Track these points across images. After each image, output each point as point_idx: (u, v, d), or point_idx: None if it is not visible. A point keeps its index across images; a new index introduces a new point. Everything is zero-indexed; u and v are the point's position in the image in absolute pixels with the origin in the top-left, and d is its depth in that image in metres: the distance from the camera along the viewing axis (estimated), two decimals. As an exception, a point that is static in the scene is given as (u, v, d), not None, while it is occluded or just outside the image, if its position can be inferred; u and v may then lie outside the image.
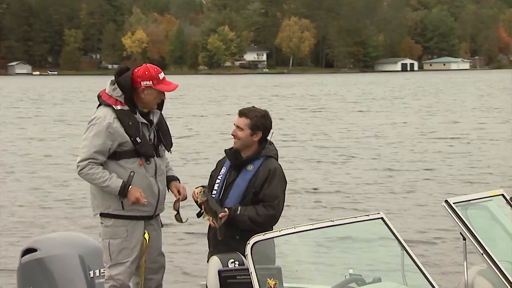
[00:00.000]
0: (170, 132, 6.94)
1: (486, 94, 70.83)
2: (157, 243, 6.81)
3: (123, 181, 6.49)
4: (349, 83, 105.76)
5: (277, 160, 6.84)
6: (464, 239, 5.98)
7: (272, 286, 5.61)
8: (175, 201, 6.85)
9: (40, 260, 7.03)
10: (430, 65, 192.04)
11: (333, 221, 5.89)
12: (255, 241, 5.66)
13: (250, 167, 6.72)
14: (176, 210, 6.86)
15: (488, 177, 21.73)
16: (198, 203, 6.62)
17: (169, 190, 6.90)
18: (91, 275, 6.99)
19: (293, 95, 74.28)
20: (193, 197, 6.66)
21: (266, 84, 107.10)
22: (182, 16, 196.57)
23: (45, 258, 7.03)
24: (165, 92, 6.74)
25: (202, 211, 6.66)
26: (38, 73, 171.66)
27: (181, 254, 13.01)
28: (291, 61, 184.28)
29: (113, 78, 6.69)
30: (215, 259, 6.26)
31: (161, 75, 6.67)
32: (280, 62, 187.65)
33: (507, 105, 53.74)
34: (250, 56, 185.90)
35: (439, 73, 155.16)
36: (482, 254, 5.85)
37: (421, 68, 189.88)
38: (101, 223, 6.67)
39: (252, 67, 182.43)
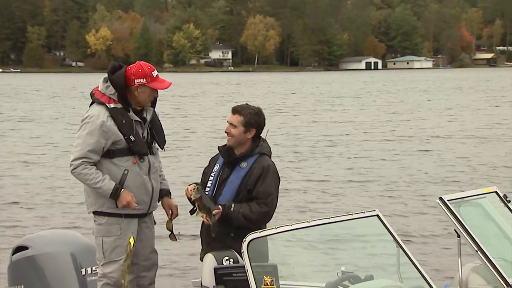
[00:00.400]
0: (163, 129, 6.92)
1: (452, 92, 71.38)
2: (150, 240, 6.79)
3: (115, 184, 6.45)
4: (313, 81, 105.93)
5: (271, 157, 6.86)
6: (459, 236, 6.03)
7: (269, 283, 5.61)
8: (168, 221, 6.84)
9: (31, 258, 6.99)
10: (394, 63, 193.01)
11: (329, 218, 5.91)
12: (251, 239, 5.64)
13: (244, 164, 6.72)
14: (169, 230, 6.84)
15: (460, 175, 21.92)
16: (192, 200, 6.62)
17: (160, 203, 6.86)
18: (83, 272, 6.96)
19: (258, 92, 74.28)
20: (186, 194, 6.65)
21: (231, 81, 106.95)
22: (146, 14, 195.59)
23: (36, 256, 6.98)
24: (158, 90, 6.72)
25: (195, 208, 6.66)
26: (0, 70, 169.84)
27: (174, 252, 12.93)
28: (256, 59, 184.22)
29: (106, 75, 6.67)
30: (209, 256, 6.25)
31: (155, 73, 6.66)
32: (245, 60, 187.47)
33: (472, 103, 54.27)
34: (215, 54, 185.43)
35: (403, 72, 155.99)
36: (477, 251, 5.91)
37: (385, 66, 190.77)
38: (95, 221, 6.63)
39: (217, 65, 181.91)
